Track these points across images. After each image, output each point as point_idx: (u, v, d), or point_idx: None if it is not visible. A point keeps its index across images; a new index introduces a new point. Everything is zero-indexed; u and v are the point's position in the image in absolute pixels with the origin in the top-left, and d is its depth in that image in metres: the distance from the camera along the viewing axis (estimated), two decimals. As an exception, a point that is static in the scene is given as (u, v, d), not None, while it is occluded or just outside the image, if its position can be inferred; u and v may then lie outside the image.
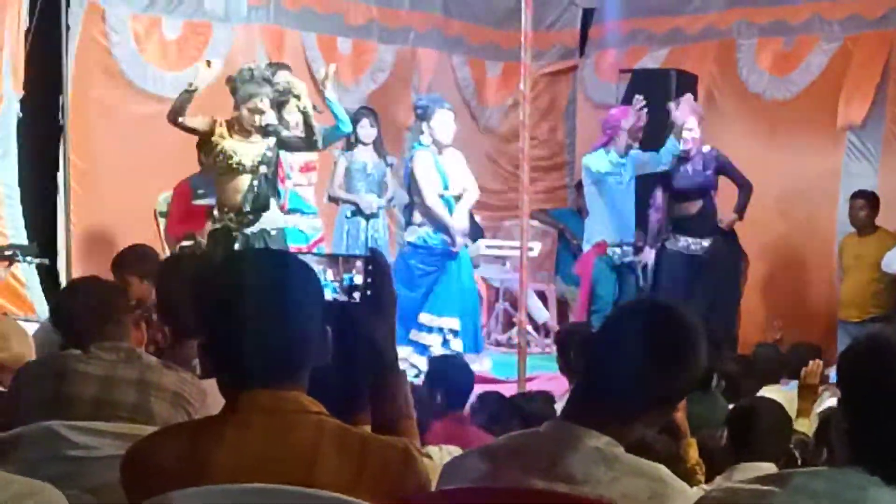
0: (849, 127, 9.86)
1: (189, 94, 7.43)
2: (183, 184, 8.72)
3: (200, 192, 8.60)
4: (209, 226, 7.97)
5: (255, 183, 7.49)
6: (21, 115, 8.36)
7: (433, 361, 6.48)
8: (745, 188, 8.85)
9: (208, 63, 7.64)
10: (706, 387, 5.42)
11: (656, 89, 9.51)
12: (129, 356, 3.29)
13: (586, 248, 9.03)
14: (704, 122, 8.77)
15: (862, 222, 9.20)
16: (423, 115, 8.50)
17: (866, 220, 9.18)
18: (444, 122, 8.46)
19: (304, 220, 8.52)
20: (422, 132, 8.52)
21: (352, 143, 9.06)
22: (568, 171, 11.97)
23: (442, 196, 8.47)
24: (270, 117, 7.64)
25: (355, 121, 9.04)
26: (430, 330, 8.48)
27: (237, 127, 7.50)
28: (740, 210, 8.85)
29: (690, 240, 8.73)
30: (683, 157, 8.67)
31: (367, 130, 9.07)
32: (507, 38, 10.65)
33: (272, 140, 7.57)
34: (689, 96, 8.87)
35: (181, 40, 9.39)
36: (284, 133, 7.71)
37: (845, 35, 10.01)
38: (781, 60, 10.40)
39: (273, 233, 7.60)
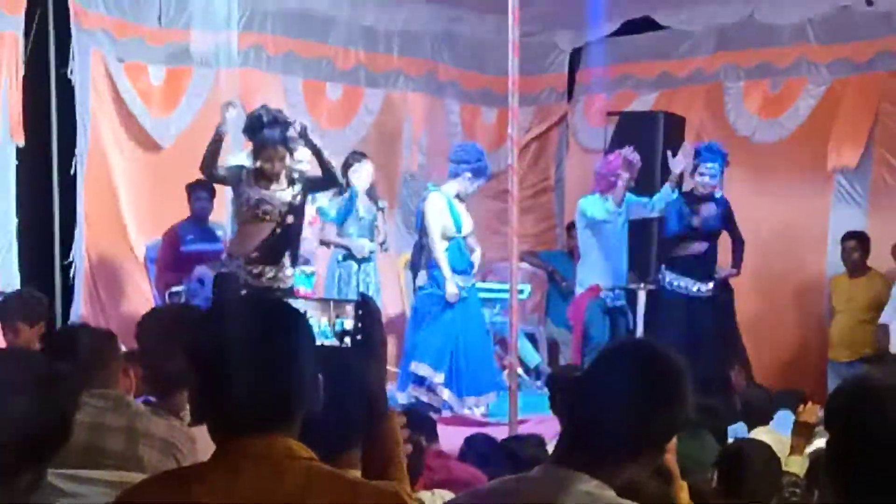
0: (841, 170, 9.91)
1: (218, 142, 7.39)
2: (171, 231, 8.75)
3: (189, 238, 8.62)
4: (202, 269, 7.97)
5: (278, 231, 7.46)
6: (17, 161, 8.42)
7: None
8: (739, 242, 8.90)
9: (229, 106, 7.54)
10: (694, 427, 5.42)
11: (644, 132, 9.56)
12: (117, 403, 3.28)
13: (579, 291, 9.02)
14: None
15: (854, 263, 9.25)
16: (464, 163, 8.50)
17: (858, 262, 9.23)
18: (475, 184, 8.54)
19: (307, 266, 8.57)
20: (455, 175, 8.53)
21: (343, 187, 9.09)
22: (557, 214, 12.00)
23: (454, 238, 8.51)
24: (291, 161, 7.63)
25: (348, 165, 9.07)
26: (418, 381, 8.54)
27: (262, 174, 7.47)
28: (738, 265, 8.88)
29: (692, 281, 8.73)
30: (704, 198, 8.70)
31: (360, 174, 9.08)
32: (500, 84, 10.70)
33: (298, 186, 7.55)
34: (685, 146, 8.91)
35: (165, 86, 9.45)
36: (309, 174, 7.69)
37: (833, 78, 10.07)
38: (769, 103, 10.46)
39: (281, 290, 7.54)
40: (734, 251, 8.91)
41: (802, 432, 5.52)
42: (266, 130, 7.39)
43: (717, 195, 8.78)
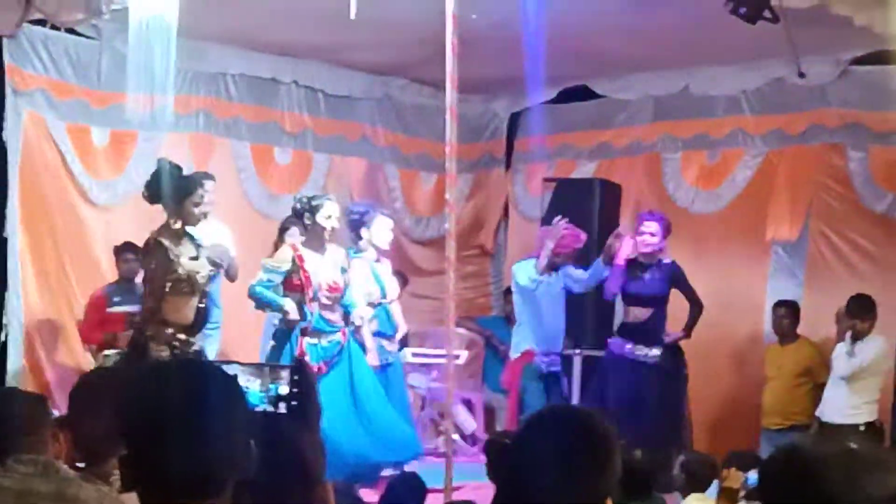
0: (780, 242, 10.03)
1: None
2: (98, 292, 8.75)
3: (116, 299, 8.60)
4: (127, 334, 7.89)
5: (204, 301, 7.41)
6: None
7: (393, 478, 6.59)
8: (696, 306, 8.88)
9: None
10: (645, 491, 5.42)
11: (581, 199, 9.63)
12: (46, 469, 3.23)
13: (514, 356, 9.02)
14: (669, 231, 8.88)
15: (784, 330, 9.37)
16: (360, 221, 8.48)
17: (788, 329, 9.35)
18: (382, 229, 8.49)
19: (325, 337, 8.15)
20: (359, 238, 8.51)
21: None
22: (494, 279, 12.03)
23: (380, 304, 8.47)
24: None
25: (284, 228, 9.07)
26: None
27: (175, 236, 7.33)
28: (689, 329, 8.85)
29: (637, 346, 8.74)
30: (645, 264, 8.73)
31: (295, 238, 9.05)
32: (439, 149, 10.73)
33: (207, 253, 7.48)
34: (628, 240, 8.86)
35: (109, 148, 9.43)
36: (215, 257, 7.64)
37: (768, 149, 10.20)
38: (707, 174, 10.56)
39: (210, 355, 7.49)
40: (689, 314, 8.91)
41: (727, 498, 5.54)
42: (187, 179, 7.36)
43: (665, 260, 8.82)
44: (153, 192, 7.35)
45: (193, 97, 9.76)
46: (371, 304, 8.45)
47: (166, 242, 7.28)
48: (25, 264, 8.91)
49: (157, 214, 7.86)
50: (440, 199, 11.09)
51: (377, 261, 8.58)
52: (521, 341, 8.90)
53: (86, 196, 9.31)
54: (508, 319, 10.60)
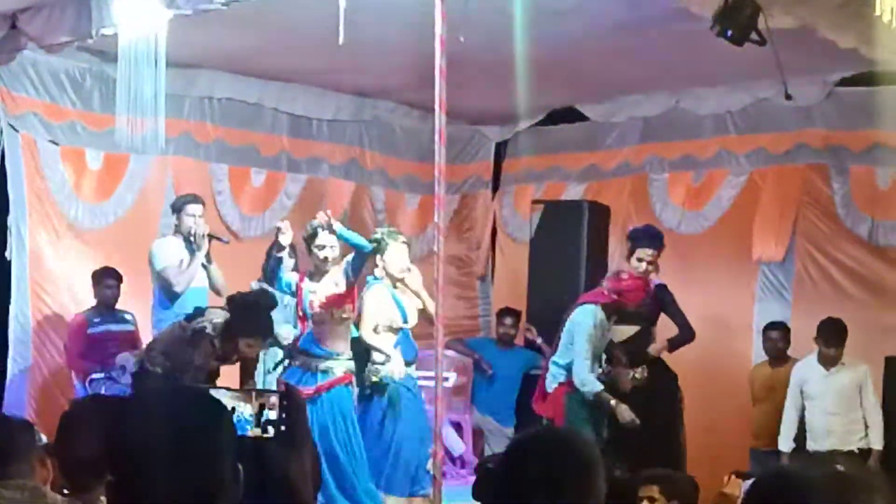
0: (766, 262, 10.04)
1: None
2: (77, 318, 8.78)
3: (96, 320, 8.64)
4: (125, 356, 7.92)
5: None
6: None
7: None
8: (684, 330, 8.79)
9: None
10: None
11: (569, 221, 9.61)
12: (33, 495, 3.22)
13: (553, 385, 8.59)
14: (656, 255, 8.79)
15: (777, 353, 9.35)
16: (378, 247, 8.44)
17: (779, 351, 9.33)
18: (396, 255, 8.44)
19: (313, 361, 8.15)
20: (376, 265, 8.50)
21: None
22: (483, 301, 12.01)
23: (402, 329, 8.43)
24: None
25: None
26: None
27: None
28: (674, 346, 8.78)
29: (623, 370, 8.59)
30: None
31: (284, 262, 9.04)
32: (423, 170, 10.73)
33: None
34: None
35: (103, 171, 9.52)
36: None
37: (752, 169, 10.24)
38: (693, 195, 10.59)
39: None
40: (678, 333, 8.80)
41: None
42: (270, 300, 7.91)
43: (655, 281, 8.67)
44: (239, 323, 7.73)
45: (177, 121, 9.77)
46: (392, 329, 8.43)
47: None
48: (30, 284, 9.04)
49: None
50: (424, 219, 11.15)
51: (395, 286, 8.51)
52: (559, 371, 8.50)
53: (77, 219, 9.39)
54: (499, 341, 10.58)
